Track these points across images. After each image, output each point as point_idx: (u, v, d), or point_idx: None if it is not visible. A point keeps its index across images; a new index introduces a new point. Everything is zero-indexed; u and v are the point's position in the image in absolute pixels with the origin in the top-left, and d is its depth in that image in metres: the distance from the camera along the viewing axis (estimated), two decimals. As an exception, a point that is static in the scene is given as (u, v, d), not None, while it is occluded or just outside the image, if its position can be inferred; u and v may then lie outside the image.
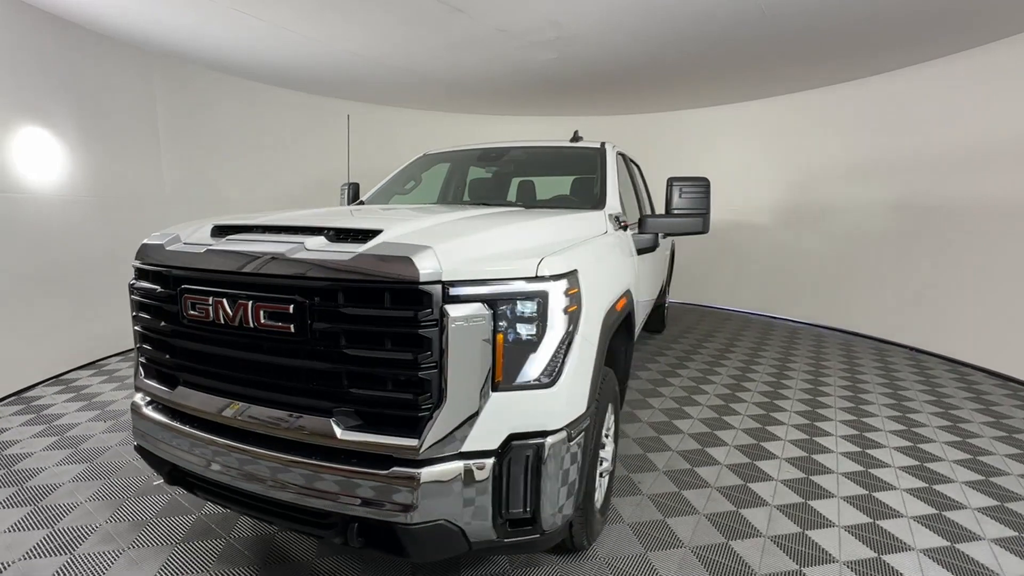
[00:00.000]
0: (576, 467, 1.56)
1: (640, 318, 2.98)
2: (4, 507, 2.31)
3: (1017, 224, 4.33)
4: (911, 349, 5.28)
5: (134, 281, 1.76)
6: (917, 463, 2.88)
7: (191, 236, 1.70)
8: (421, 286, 1.33)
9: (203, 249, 1.58)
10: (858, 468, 2.80)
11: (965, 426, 3.39)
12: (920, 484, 2.65)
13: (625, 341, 2.51)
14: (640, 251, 2.76)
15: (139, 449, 1.81)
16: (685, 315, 6.90)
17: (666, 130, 7.47)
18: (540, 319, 1.44)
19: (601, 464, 2.09)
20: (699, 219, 2.69)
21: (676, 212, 2.69)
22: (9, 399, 3.54)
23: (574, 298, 1.52)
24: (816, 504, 2.44)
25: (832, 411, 3.59)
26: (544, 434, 1.44)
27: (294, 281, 1.42)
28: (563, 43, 4.38)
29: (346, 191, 3.50)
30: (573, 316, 1.51)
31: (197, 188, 5.34)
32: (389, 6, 3.71)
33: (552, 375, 1.46)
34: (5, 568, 1.93)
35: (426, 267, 1.33)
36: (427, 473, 1.35)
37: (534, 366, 1.44)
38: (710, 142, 7.23)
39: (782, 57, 4.84)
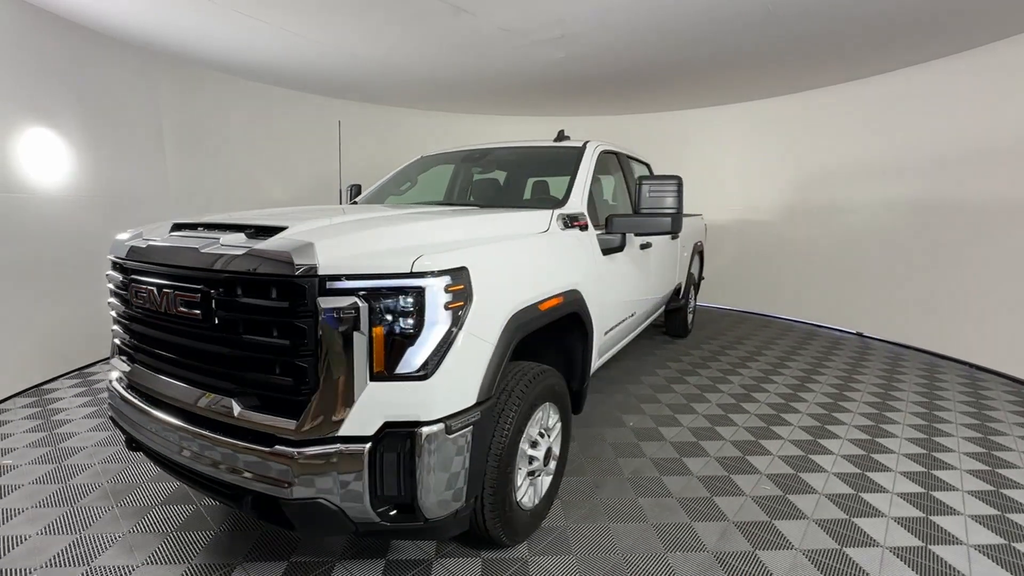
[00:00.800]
0: (463, 459, 1.60)
1: (615, 319, 2.92)
2: (37, 463, 2.72)
3: None
4: (969, 365, 4.71)
5: (108, 272, 2.02)
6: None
7: (151, 233, 1.93)
8: (297, 280, 1.43)
9: (146, 244, 1.79)
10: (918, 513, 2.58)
11: None
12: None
13: (579, 341, 2.49)
14: (608, 251, 2.71)
15: (111, 419, 2.08)
16: (718, 321, 6.57)
17: (675, 129, 7.37)
18: (417, 314, 1.50)
19: (531, 463, 2.10)
20: (667, 219, 2.62)
21: (644, 212, 2.64)
22: (30, 391, 3.78)
23: (458, 295, 1.56)
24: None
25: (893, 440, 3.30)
26: (418, 424, 1.49)
27: (200, 273, 1.58)
28: (568, 41, 4.35)
29: (348, 192, 3.72)
30: (457, 312, 1.56)
31: (201, 188, 5.39)
32: (393, 7, 3.75)
33: (429, 368, 1.51)
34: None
35: (302, 262, 1.44)
36: (304, 453, 1.46)
37: (411, 358, 1.50)
38: (723, 140, 7.12)
39: (791, 56, 4.75)
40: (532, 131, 7.35)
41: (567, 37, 4.26)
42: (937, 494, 2.55)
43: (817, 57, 4.82)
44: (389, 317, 1.49)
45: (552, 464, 2.31)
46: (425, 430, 1.49)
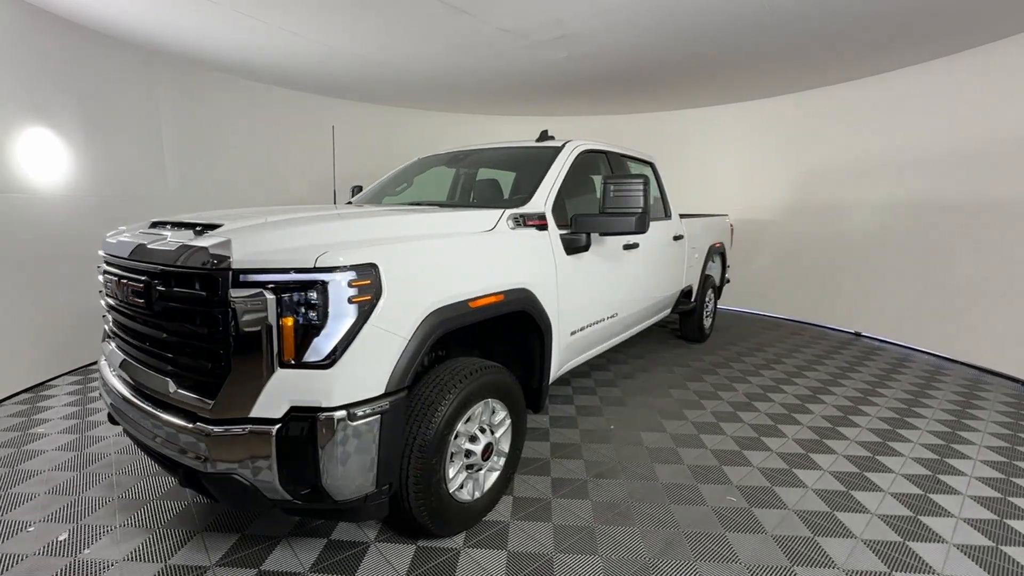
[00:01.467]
0: (370, 446, 1.68)
1: (587, 320, 2.91)
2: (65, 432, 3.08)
3: None
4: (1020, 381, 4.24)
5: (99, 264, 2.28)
6: None
7: (132, 230, 2.16)
8: (212, 272, 1.57)
9: (115, 240, 2.01)
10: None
11: None
12: None
13: (537, 340, 2.50)
14: (574, 251, 2.71)
15: (101, 396, 2.34)
16: (746, 326, 6.26)
17: (673, 128, 7.37)
18: (321, 306, 1.59)
19: (468, 456, 2.15)
20: (631, 219, 2.59)
21: (608, 211, 2.63)
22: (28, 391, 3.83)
23: (364, 289, 1.64)
24: None
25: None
26: (319, 410, 1.59)
27: (143, 265, 1.76)
28: (568, 41, 4.33)
29: (351, 192, 3.92)
30: (363, 306, 1.64)
31: (200, 187, 5.38)
32: (394, 9, 3.80)
33: (332, 358, 1.60)
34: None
35: (216, 257, 1.57)
36: (218, 430, 1.59)
37: (316, 348, 1.60)
38: (723, 140, 7.04)
39: (796, 55, 4.74)
40: (533, 131, 7.38)
41: (567, 37, 4.25)
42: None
43: (817, 57, 4.87)
44: (296, 309, 1.59)
45: (500, 460, 2.35)
46: (325, 416, 1.58)
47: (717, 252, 5.55)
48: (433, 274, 1.88)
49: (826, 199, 6.15)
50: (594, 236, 2.82)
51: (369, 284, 1.65)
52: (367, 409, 1.65)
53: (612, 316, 3.25)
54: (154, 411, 1.76)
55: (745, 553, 2.09)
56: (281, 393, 1.59)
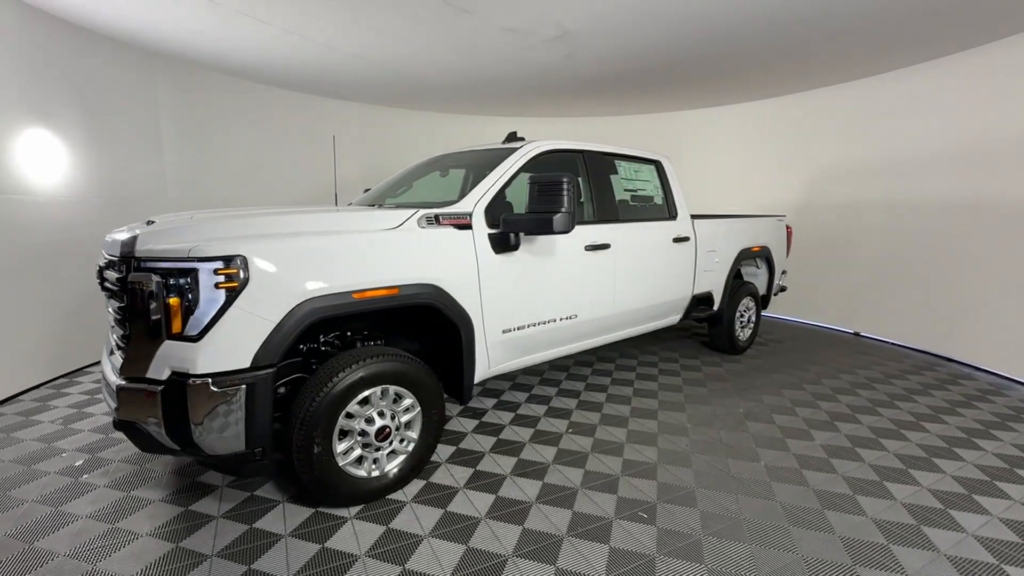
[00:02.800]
0: (235, 410, 1.95)
1: (527, 319, 2.94)
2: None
3: None
4: None
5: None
6: None
7: (129, 227, 2.71)
8: (122, 259, 1.98)
9: (108, 236, 2.56)
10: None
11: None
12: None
13: (447, 331, 2.63)
14: (502, 250, 2.76)
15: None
16: (802, 339, 5.58)
17: (671, 128, 7.41)
18: (194, 290, 1.91)
19: (363, 436, 2.34)
20: (554, 218, 2.61)
21: (533, 211, 2.66)
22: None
23: (231, 277, 1.92)
24: None
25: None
26: (190, 376, 1.91)
27: (110, 256, 2.23)
28: (569, 41, 4.29)
29: (363, 193, 4.33)
30: (230, 291, 1.93)
31: (200, 188, 5.39)
32: (394, 8, 3.80)
33: (202, 333, 1.91)
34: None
35: (127, 247, 1.98)
36: (123, 385, 1.99)
37: (191, 324, 1.92)
38: (724, 140, 7.03)
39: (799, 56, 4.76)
40: (534, 132, 7.52)
41: (567, 37, 4.22)
42: None
43: (818, 58, 4.92)
44: (178, 291, 1.93)
45: (408, 444, 2.52)
46: (192, 381, 1.90)
47: (759, 256, 5.05)
48: (309, 267, 2.11)
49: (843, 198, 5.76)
50: (545, 235, 2.86)
51: (236, 273, 1.93)
52: (232, 379, 1.94)
53: (570, 317, 3.21)
54: (108, 373, 2.24)
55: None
56: (167, 359, 1.94)
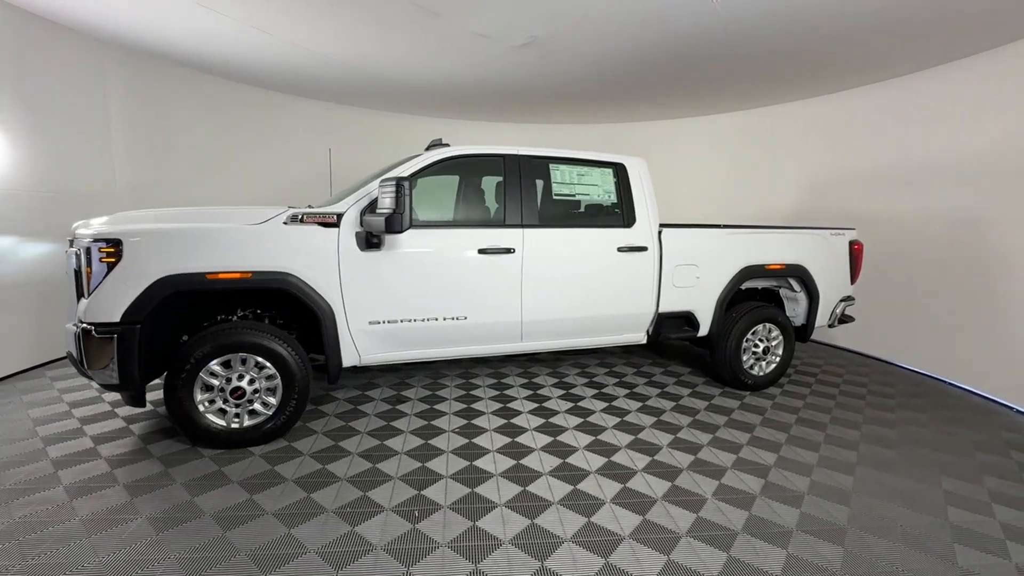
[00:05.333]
0: (111, 352, 2.64)
1: (395, 314, 3.14)
2: (196, 342, 5.18)
3: None
4: None
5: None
6: None
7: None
8: (69, 241, 2.86)
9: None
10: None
11: None
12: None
13: (299, 313, 3.04)
14: (368, 247, 3.02)
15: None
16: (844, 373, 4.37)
17: (641, 138, 7.47)
18: (91, 262, 2.67)
19: (216, 390, 2.86)
20: (381, 219, 2.84)
21: (378, 212, 2.91)
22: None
23: (110, 254, 2.62)
24: None
25: None
26: (81, 323, 2.66)
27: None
28: (541, 45, 4.21)
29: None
30: (109, 265, 2.63)
31: (152, 185, 5.13)
32: (362, 8, 3.75)
33: (90, 293, 2.65)
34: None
35: (72, 231, 2.85)
36: (67, 328, 2.86)
37: (89, 287, 2.68)
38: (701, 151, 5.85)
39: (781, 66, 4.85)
40: (509, 138, 7.60)
41: (538, 44, 4.17)
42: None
43: (794, 71, 5.01)
44: (82, 262, 2.71)
45: (271, 409, 2.96)
46: (80, 326, 2.65)
47: (787, 276, 4.20)
48: (171, 251, 2.71)
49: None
50: (435, 235, 3.16)
51: (113, 251, 2.63)
52: (106, 329, 2.64)
53: (457, 318, 3.27)
54: (87, 317, 3.21)
55: None
56: (78, 312, 2.75)
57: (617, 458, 2.95)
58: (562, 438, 3.19)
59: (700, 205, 7.23)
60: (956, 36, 3.97)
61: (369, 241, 3.03)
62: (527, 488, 2.62)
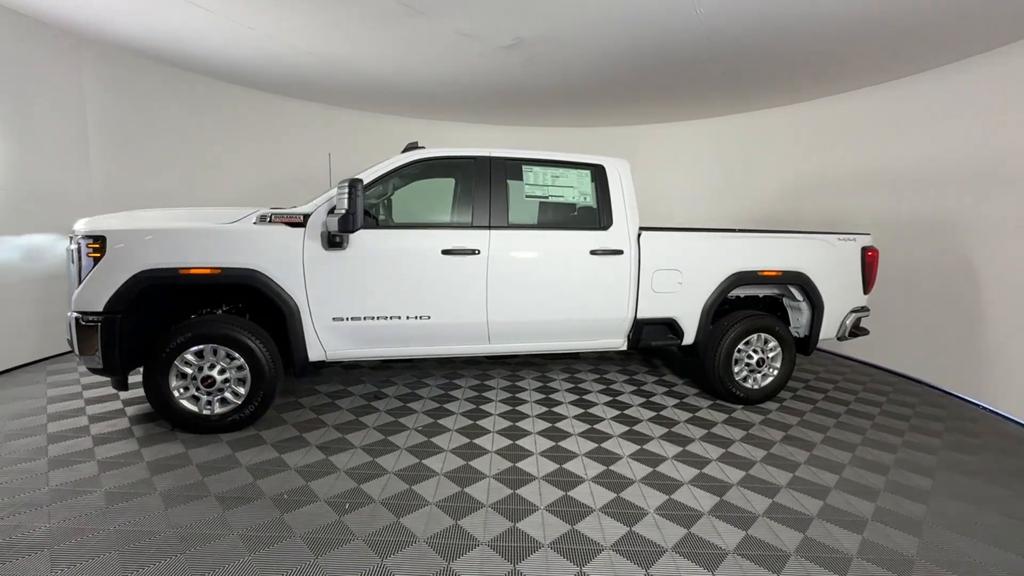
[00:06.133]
0: (96, 337, 2.90)
1: (359, 311, 3.23)
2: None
3: None
4: None
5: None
6: None
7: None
8: (69, 237, 3.16)
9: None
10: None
11: None
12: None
13: (268, 306, 3.17)
14: (332, 246, 3.13)
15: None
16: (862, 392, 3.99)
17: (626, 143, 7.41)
18: (78, 256, 2.94)
19: (189, 378, 3.06)
20: (335, 219, 2.94)
21: (335, 212, 3.02)
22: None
23: (95, 250, 2.88)
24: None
25: None
26: (74, 311, 2.94)
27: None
28: (528, 47, 4.17)
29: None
30: (95, 259, 2.88)
31: (130, 185, 5.01)
32: (346, 5, 3.70)
33: (80, 283, 2.92)
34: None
35: (73, 227, 3.15)
36: (67, 317, 3.17)
37: (79, 277, 2.96)
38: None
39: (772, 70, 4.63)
40: (497, 140, 7.52)
41: (524, 45, 4.15)
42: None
43: (783, 75, 5.00)
44: (78, 256, 2.99)
45: (236, 398, 3.13)
46: (73, 314, 2.93)
47: (786, 284, 3.93)
48: (149, 248, 2.93)
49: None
50: (398, 235, 3.26)
51: (99, 247, 2.89)
52: (91, 317, 2.90)
53: (420, 317, 3.31)
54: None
55: None
56: (73, 301, 3.04)
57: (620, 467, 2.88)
58: (564, 444, 3.16)
59: (689, 210, 7.14)
60: (944, 41, 3.89)
61: (332, 241, 3.13)
62: (517, 491, 2.61)
